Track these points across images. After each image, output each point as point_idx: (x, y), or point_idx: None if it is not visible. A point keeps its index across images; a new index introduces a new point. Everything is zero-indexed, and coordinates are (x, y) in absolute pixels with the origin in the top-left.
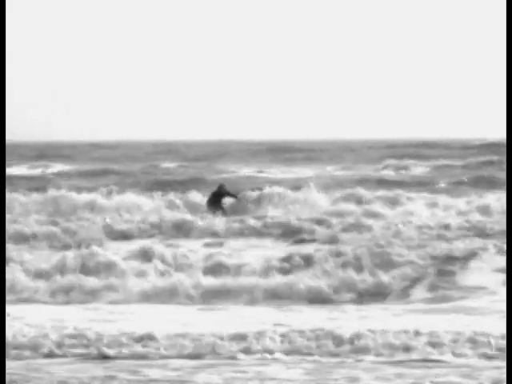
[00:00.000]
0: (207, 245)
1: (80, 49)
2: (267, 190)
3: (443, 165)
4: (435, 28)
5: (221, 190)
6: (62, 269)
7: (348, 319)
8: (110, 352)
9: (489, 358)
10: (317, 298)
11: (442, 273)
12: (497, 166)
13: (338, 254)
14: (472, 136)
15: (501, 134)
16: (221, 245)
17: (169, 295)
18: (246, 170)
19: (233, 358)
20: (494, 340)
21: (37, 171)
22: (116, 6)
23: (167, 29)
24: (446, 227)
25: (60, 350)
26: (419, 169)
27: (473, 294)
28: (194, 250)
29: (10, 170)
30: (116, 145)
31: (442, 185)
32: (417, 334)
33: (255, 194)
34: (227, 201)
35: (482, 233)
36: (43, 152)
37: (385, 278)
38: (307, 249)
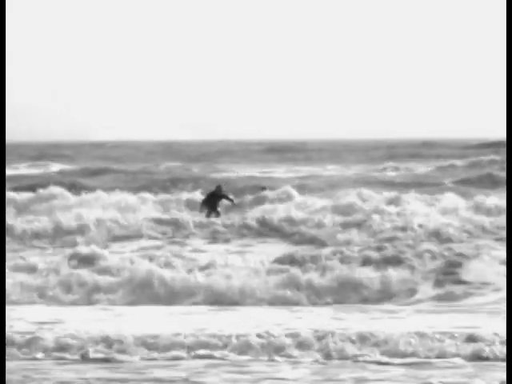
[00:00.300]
0: (208, 244)
1: (80, 49)
2: (265, 192)
3: (445, 164)
4: (436, 29)
5: (218, 192)
6: (61, 269)
7: (353, 319)
8: (112, 353)
9: (494, 358)
10: (319, 298)
11: (448, 270)
12: (498, 165)
13: (341, 254)
14: (472, 136)
15: (501, 134)
16: (221, 245)
17: (171, 296)
18: (247, 170)
19: (239, 359)
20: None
21: (36, 171)
22: (116, 7)
23: (168, 29)
24: (450, 226)
25: (60, 351)
26: (420, 168)
27: (479, 290)
28: (194, 250)
29: (9, 170)
30: (116, 145)
31: (446, 184)
32: (422, 335)
33: (252, 197)
34: (222, 203)
35: (487, 230)
36: (43, 152)
37: (390, 276)
38: (308, 249)
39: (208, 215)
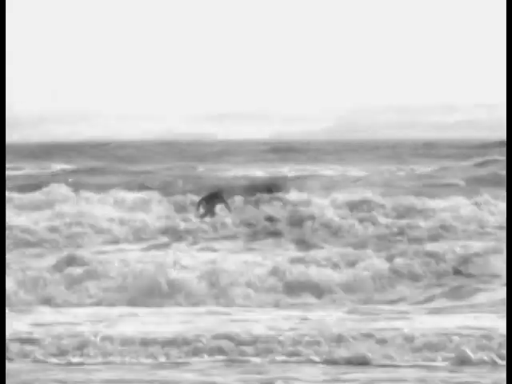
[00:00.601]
0: (210, 244)
1: (80, 49)
2: (264, 195)
3: (448, 164)
4: (437, 28)
5: (217, 194)
6: (61, 269)
7: (360, 319)
8: (114, 354)
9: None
10: (325, 298)
11: (457, 266)
12: (500, 164)
13: (346, 254)
14: (473, 136)
15: (501, 134)
16: (223, 245)
17: (174, 296)
18: (249, 170)
19: (245, 359)
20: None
21: (37, 171)
22: (116, 7)
23: (169, 29)
24: (455, 224)
25: (60, 352)
26: (424, 168)
27: (488, 285)
28: (197, 250)
29: (9, 170)
30: (118, 145)
31: (452, 183)
32: (430, 335)
33: (255, 196)
34: (219, 207)
35: (491, 229)
36: (43, 152)
37: (396, 276)
38: (312, 248)
39: (203, 216)
